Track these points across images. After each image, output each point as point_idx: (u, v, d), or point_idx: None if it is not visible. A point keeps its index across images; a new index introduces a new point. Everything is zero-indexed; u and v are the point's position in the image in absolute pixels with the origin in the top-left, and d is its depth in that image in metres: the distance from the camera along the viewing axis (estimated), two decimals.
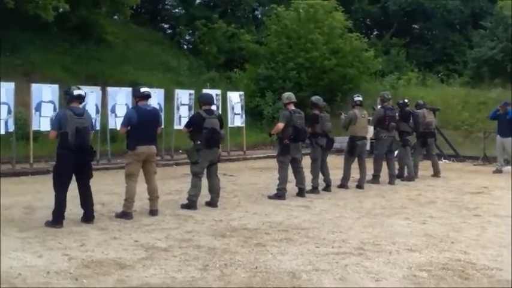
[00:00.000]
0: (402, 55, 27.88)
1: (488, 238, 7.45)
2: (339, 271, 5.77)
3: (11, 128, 12.71)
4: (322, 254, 6.42)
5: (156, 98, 14.06)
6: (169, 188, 10.64)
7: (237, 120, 17.59)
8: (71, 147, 7.49)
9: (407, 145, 12.96)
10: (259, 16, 29.98)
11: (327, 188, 11.06)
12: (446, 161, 17.26)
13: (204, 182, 9.12)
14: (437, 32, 30.88)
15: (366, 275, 5.68)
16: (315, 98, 11.23)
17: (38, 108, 12.99)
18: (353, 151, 11.63)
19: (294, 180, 10.45)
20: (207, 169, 9.08)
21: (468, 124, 19.85)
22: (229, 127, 16.95)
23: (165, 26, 30.91)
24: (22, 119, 13.91)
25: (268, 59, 22.95)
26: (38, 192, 9.96)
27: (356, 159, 11.71)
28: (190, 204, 8.87)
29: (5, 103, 12.45)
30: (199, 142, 8.87)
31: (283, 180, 10.10)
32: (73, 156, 7.53)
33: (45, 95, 13.12)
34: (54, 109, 12.80)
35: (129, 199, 8.16)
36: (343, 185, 11.49)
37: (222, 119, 9.41)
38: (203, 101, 9.27)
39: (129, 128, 8.23)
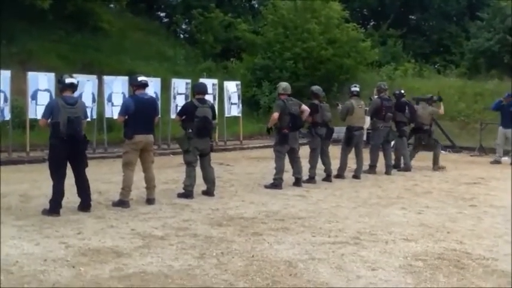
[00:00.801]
0: (399, 46, 27.87)
1: (484, 228, 7.48)
2: (335, 260, 5.79)
3: (7, 117, 12.69)
4: (318, 243, 6.44)
5: (152, 87, 14.02)
6: (166, 177, 10.64)
7: (233, 110, 17.59)
8: (63, 136, 7.44)
9: (404, 136, 12.97)
10: (256, 5, 29.92)
11: (328, 178, 11.07)
12: (443, 151, 17.26)
13: (199, 171, 9.12)
14: (434, 23, 30.89)
15: (362, 264, 5.70)
16: (315, 88, 11.23)
17: (34, 96, 12.97)
18: (350, 141, 11.65)
19: (290, 170, 10.47)
20: (200, 159, 9.07)
21: (465, 115, 19.89)
22: (226, 117, 16.96)
23: (162, 14, 30.83)
24: (18, 107, 13.89)
25: (265, 48, 22.91)
26: (35, 181, 9.96)
27: (353, 150, 11.73)
28: (187, 193, 8.88)
29: (1, 91, 12.42)
30: (190, 131, 8.86)
31: (279, 169, 10.11)
32: (65, 145, 7.48)
33: (42, 83, 13.09)
34: (51, 97, 12.73)
35: (126, 188, 8.16)
36: (339, 175, 11.50)
37: (215, 109, 9.40)
38: (197, 90, 9.27)
39: (126, 116, 8.22)
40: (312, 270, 5.47)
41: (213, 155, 9.39)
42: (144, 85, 8.42)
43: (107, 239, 6.37)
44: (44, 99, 12.82)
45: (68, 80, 7.73)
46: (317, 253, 6.03)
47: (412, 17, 32.45)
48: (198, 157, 9.02)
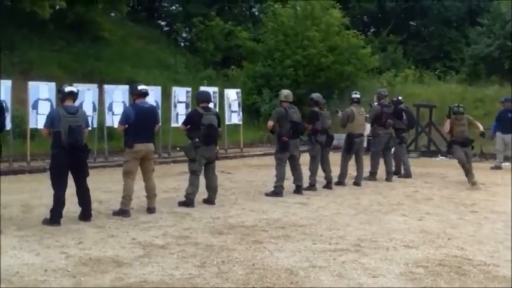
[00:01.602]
0: (399, 52, 27.89)
1: (485, 234, 7.47)
2: (336, 268, 5.79)
3: (8, 126, 12.66)
4: (319, 250, 6.43)
5: (153, 95, 14.05)
6: (167, 186, 10.64)
7: (234, 117, 17.61)
8: (65, 146, 7.47)
9: (404, 142, 12.99)
10: (257, 13, 29.96)
11: (328, 185, 11.07)
12: (443, 157, 17.29)
13: (202, 179, 9.12)
14: (434, 29, 30.90)
15: (363, 271, 5.70)
16: (316, 95, 11.24)
17: (35, 106, 12.98)
18: (350, 148, 11.66)
19: (291, 178, 10.47)
20: (204, 167, 9.08)
21: None
22: (227, 124, 16.96)
23: (162, 23, 30.87)
24: (19, 117, 13.90)
25: (265, 56, 22.95)
26: (35, 191, 9.96)
27: (353, 156, 11.73)
28: (188, 202, 8.88)
29: (2, 101, 12.41)
30: (197, 139, 8.86)
31: (280, 177, 10.12)
32: (67, 154, 7.51)
33: (42, 92, 13.11)
34: (51, 107, 12.74)
35: (126, 197, 8.16)
36: (340, 182, 11.50)
37: (219, 117, 9.42)
38: (201, 98, 9.27)
39: (126, 125, 8.23)
40: (313, 278, 5.47)
41: (214, 163, 9.39)
42: (145, 94, 8.44)
43: (108, 249, 6.36)
44: (44, 108, 12.83)
45: (68, 89, 7.75)
46: (318, 261, 6.02)
47: (412, 23, 32.48)
48: (203, 166, 9.02)
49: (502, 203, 9.73)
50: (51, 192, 7.72)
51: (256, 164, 15.15)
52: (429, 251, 6.51)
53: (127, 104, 13.41)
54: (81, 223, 7.60)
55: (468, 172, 11.72)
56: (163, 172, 12.34)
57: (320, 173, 11.02)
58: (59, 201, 7.52)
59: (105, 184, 10.56)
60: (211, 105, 9.54)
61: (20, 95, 13.70)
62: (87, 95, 13.58)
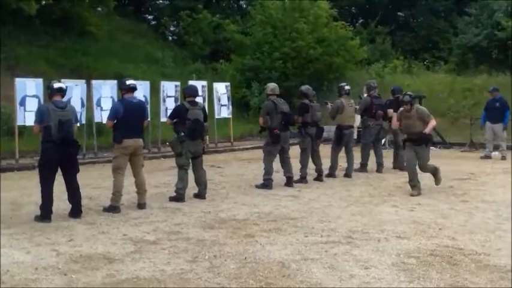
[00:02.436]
0: (387, 43, 27.91)
1: (476, 224, 7.50)
2: (328, 260, 5.79)
3: None
4: (311, 243, 6.43)
5: (141, 90, 13.98)
6: (157, 181, 10.60)
7: (223, 111, 17.56)
8: (55, 140, 7.43)
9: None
10: (244, 6, 29.87)
11: (319, 177, 11.06)
12: (433, 148, 17.29)
13: (191, 174, 9.09)
14: (422, 20, 30.97)
15: (355, 263, 5.70)
16: (305, 88, 11.21)
17: (23, 102, 12.84)
18: (340, 140, 11.65)
19: (281, 170, 10.46)
20: (192, 162, 9.05)
21: (454, 111, 19.92)
22: (216, 118, 16.92)
23: (149, 17, 30.71)
24: (6, 114, 13.79)
25: (254, 49, 22.87)
26: (24, 188, 9.88)
27: (343, 148, 11.73)
28: (178, 197, 8.85)
29: None
30: (182, 134, 8.84)
31: (268, 170, 10.12)
32: (57, 149, 7.47)
33: (30, 89, 12.97)
34: (39, 103, 12.61)
35: (116, 193, 8.12)
36: (331, 174, 11.50)
37: (206, 112, 9.39)
38: (187, 92, 9.25)
39: (115, 121, 8.18)
40: (305, 270, 5.47)
41: (204, 157, 9.36)
42: (133, 89, 8.39)
43: (99, 245, 6.33)
44: (32, 105, 12.71)
45: (56, 85, 7.73)
46: (310, 253, 6.02)
47: (400, 13, 32.53)
48: (190, 160, 9.00)
49: (493, 193, 9.77)
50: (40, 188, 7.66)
51: (247, 157, 15.13)
52: (421, 242, 6.52)
53: (115, 99, 13.34)
54: (71, 220, 7.55)
55: (413, 177, 9.67)
56: (153, 167, 12.29)
57: (311, 165, 11.01)
58: (47, 198, 7.48)
59: (94, 180, 10.50)
60: (200, 99, 9.51)
61: (6, 92, 13.60)
62: (75, 91, 13.46)
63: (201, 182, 9.15)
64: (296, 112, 10.88)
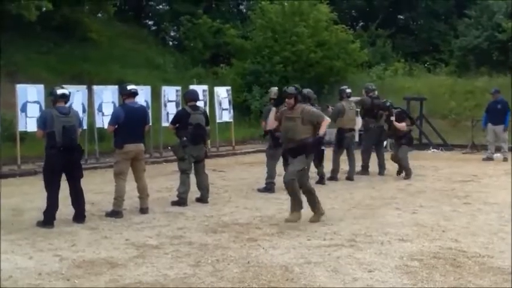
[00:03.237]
0: (388, 46, 27.90)
1: (479, 226, 7.49)
2: (332, 263, 5.78)
3: None
4: (314, 246, 6.42)
5: (142, 95, 13.95)
6: (159, 186, 10.59)
7: (225, 115, 17.55)
8: (59, 146, 7.45)
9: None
10: (244, 10, 29.90)
11: (321, 180, 11.05)
12: (435, 150, 17.35)
13: (193, 178, 9.09)
14: (422, 22, 30.99)
15: (359, 266, 5.69)
16: (306, 91, 11.17)
17: (24, 108, 12.83)
18: (341, 143, 11.66)
19: (284, 173, 10.43)
20: (194, 166, 9.06)
21: (455, 113, 19.92)
22: (218, 122, 16.92)
23: (150, 22, 30.74)
24: (8, 120, 13.77)
25: (254, 53, 22.88)
26: (26, 194, 9.88)
27: (345, 151, 11.72)
28: (181, 201, 8.85)
29: None
30: (185, 138, 8.85)
31: (271, 174, 10.13)
32: (61, 155, 7.49)
33: (31, 95, 12.96)
34: (40, 109, 12.61)
35: (118, 198, 8.12)
36: (333, 177, 11.49)
37: (208, 116, 9.40)
38: (189, 97, 9.28)
39: (116, 126, 8.18)
40: (308, 274, 5.46)
41: (206, 161, 9.37)
42: (134, 94, 8.39)
43: (101, 250, 6.33)
44: (33, 111, 12.72)
45: (59, 91, 7.74)
46: (313, 257, 6.01)
47: (401, 16, 32.54)
48: (192, 164, 9.00)
49: (495, 194, 9.76)
50: (43, 195, 7.68)
51: (249, 161, 15.12)
52: (424, 244, 6.52)
53: (117, 105, 13.33)
54: (74, 225, 7.55)
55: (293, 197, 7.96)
56: (156, 172, 12.29)
57: (312, 168, 10.98)
58: (52, 203, 7.49)
59: (97, 185, 10.49)
60: (201, 103, 9.52)
61: (8, 98, 13.59)
62: (76, 96, 13.43)
63: (203, 187, 9.15)
64: None
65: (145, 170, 8.61)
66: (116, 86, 13.84)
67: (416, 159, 13.79)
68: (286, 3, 23.18)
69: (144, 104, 13.00)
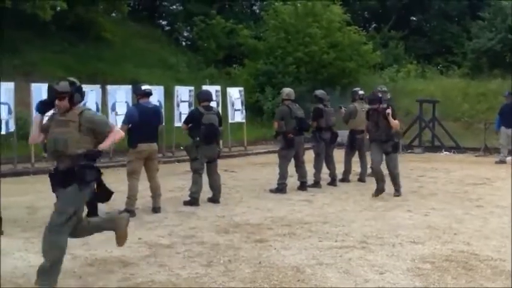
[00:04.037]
0: (401, 48, 27.85)
1: (491, 229, 7.46)
2: (343, 265, 5.78)
3: (12, 128, 12.70)
4: (325, 248, 6.43)
5: (156, 95, 13.98)
6: (171, 185, 10.64)
7: (237, 116, 17.60)
8: None
9: None
10: (258, 11, 29.94)
11: (333, 182, 11.05)
12: (447, 152, 17.30)
13: (205, 178, 9.13)
14: (435, 24, 30.88)
15: (370, 268, 5.69)
16: (319, 92, 11.24)
17: None
18: (353, 145, 11.65)
19: (296, 175, 10.46)
20: (206, 166, 9.10)
21: (468, 116, 19.85)
22: (230, 123, 16.97)
23: (163, 22, 30.87)
24: (23, 118, 13.89)
25: (267, 54, 22.94)
26: (40, 192, 9.94)
27: (357, 153, 11.71)
28: (193, 201, 8.89)
29: (5, 103, 12.44)
30: (198, 138, 8.88)
31: (283, 174, 10.15)
32: None
33: (45, 94, 13.06)
34: (55, 108, 12.76)
35: (131, 197, 8.18)
36: (344, 178, 11.49)
37: (221, 116, 9.43)
38: (202, 97, 9.31)
39: (130, 125, 8.23)
40: (320, 275, 5.46)
41: (218, 161, 9.39)
42: (148, 94, 8.45)
43: (114, 249, 6.34)
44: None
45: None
46: (324, 258, 6.02)
47: (414, 18, 32.45)
48: (205, 164, 9.04)
49: (507, 198, 9.69)
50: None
51: (260, 162, 15.15)
52: (436, 247, 6.50)
53: (130, 104, 13.43)
54: None
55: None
56: (168, 171, 12.33)
57: (324, 170, 11.00)
58: None
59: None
60: (213, 104, 9.55)
61: (23, 97, 13.70)
62: (90, 96, 13.56)
63: (215, 187, 9.18)
64: (310, 117, 10.90)
65: (158, 169, 8.65)
66: (129, 86, 13.93)
67: (428, 161, 13.78)
68: (299, 4, 23.21)
69: (157, 103, 13.07)
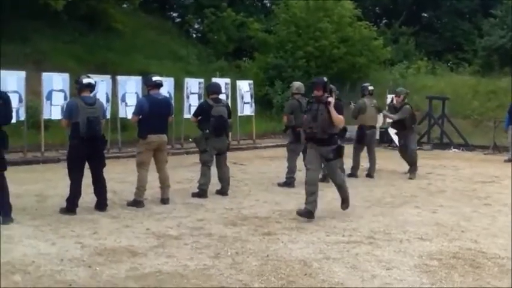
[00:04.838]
0: (411, 44, 27.78)
1: (499, 227, 7.45)
2: (350, 260, 5.80)
3: (22, 117, 12.76)
4: (332, 242, 6.45)
5: (166, 86, 13.98)
6: (180, 177, 10.68)
7: (246, 109, 17.61)
8: (83, 136, 7.55)
9: None
10: (268, 4, 29.89)
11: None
12: (456, 150, 17.25)
13: (214, 170, 9.16)
14: (446, 21, 30.76)
15: (377, 263, 5.71)
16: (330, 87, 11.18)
17: (49, 96, 13.05)
18: (361, 140, 11.65)
19: (304, 169, 10.45)
20: (216, 158, 9.12)
21: (478, 113, 19.78)
22: (239, 116, 16.98)
23: (174, 14, 30.87)
24: (33, 107, 13.96)
25: (277, 47, 22.92)
26: (50, 181, 10.03)
27: (365, 148, 11.71)
28: (201, 193, 8.92)
29: (16, 92, 12.49)
30: (207, 131, 8.91)
31: (292, 168, 10.16)
32: (85, 145, 7.59)
33: (56, 83, 13.18)
34: (65, 98, 12.85)
35: (140, 187, 8.21)
36: (352, 174, 11.48)
37: (230, 108, 9.44)
38: (211, 90, 9.33)
39: (140, 116, 8.26)
40: (327, 269, 5.48)
41: (227, 154, 9.42)
42: (159, 85, 8.46)
43: (122, 239, 6.41)
44: (58, 99, 12.94)
45: (85, 81, 7.80)
46: (331, 252, 6.04)
47: (425, 14, 32.34)
48: (214, 157, 9.07)
49: None
50: (66, 182, 7.79)
51: (269, 155, 15.16)
52: (443, 244, 6.51)
53: (140, 95, 13.48)
54: (96, 213, 7.65)
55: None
56: (177, 163, 12.37)
57: None
58: (75, 191, 7.60)
59: (118, 175, 10.60)
60: (223, 96, 9.56)
61: (33, 86, 13.77)
62: (100, 86, 13.58)
63: (224, 179, 9.21)
64: None
65: (167, 161, 8.68)
66: (140, 77, 13.96)
67: (437, 158, 13.76)
68: None
69: (167, 95, 13.11)
